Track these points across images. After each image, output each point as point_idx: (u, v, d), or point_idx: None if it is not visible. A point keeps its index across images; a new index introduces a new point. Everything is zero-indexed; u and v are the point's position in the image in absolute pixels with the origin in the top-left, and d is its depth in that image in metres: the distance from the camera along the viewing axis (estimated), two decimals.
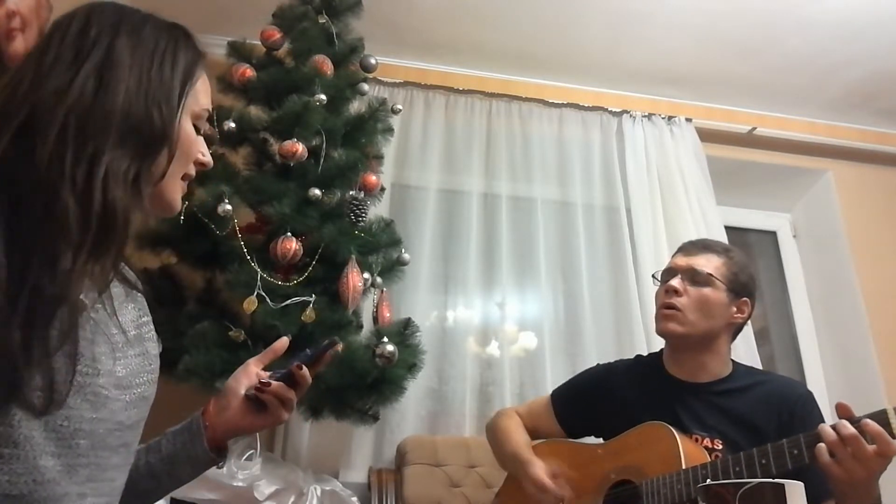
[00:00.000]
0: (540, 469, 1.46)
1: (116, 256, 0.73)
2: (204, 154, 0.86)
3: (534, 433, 1.67)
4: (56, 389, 0.67)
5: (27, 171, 0.68)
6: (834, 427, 1.15)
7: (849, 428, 1.13)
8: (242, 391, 0.94)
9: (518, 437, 1.62)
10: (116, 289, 0.79)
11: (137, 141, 0.74)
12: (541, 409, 1.70)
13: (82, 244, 0.69)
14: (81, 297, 0.70)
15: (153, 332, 0.85)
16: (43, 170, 0.68)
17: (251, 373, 0.97)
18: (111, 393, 0.74)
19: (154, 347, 0.84)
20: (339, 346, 0.99)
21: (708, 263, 1.52)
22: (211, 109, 0.89)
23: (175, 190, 0.83)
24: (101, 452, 0.75)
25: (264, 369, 0.99)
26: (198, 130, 0.85)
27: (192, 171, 0.86)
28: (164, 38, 0.80)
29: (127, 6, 0.82)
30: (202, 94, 0.85)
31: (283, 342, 1.00)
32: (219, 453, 0.94)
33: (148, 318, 0.85)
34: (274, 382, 0.92)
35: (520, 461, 1.53)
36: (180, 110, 0.79)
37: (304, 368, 0.93)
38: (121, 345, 0.77)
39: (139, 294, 0.84)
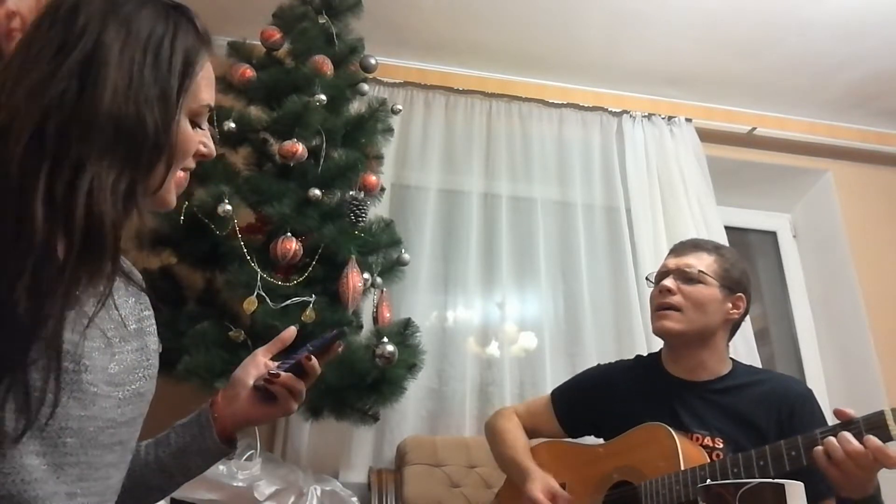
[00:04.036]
0: (537, 487, 1.44)
1: (112, 271, 0.68)
2: (205, 145, 0.80)
3: (533, 433, 1.67)
4: (30, 410, 0.62)
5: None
6: (838, 439, 1.16)
7: (853, 444, 1.14)
8: (251, 382, 0.92)
9: (517, 442, 1.61)
10: (116, 281, 0.73)
11: (129, 149, 0.67)
12: (541, 409, 1.70)
13: (64, 265, 0.62)
14: (78, 294, 0.66)
15: (154, 327, 0.82)
16: (13, 178, 0.60)
17: (259, 363, 0.95)
18: (101, 390, 0.70)
19: (154, 342, 0.80)
20: (345, 338, 0.97)
21: (698, 262, 1.54)
22: (213, 103, 0.81)
23: (171, 189, 0.77)
24: (92, 451, 0.71)
25: (272, 359, 0.97)
26: (198, 126, 0.79)
27: (192, 164, 0.80)
28: (160, 26, 0.72)
29: None
30: (204, 89, 0.78)
31: (291, 332, 0.98)
32: (229, 444, 0.92)
33: (150, 313, 0.81)
34: (283, 374, 0.90)
35: (519, 470, 1.52)
36: (179, 111, 0.72)
37: (314, 359, 0.91)
38: (118, 340, 0.73)
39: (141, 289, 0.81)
